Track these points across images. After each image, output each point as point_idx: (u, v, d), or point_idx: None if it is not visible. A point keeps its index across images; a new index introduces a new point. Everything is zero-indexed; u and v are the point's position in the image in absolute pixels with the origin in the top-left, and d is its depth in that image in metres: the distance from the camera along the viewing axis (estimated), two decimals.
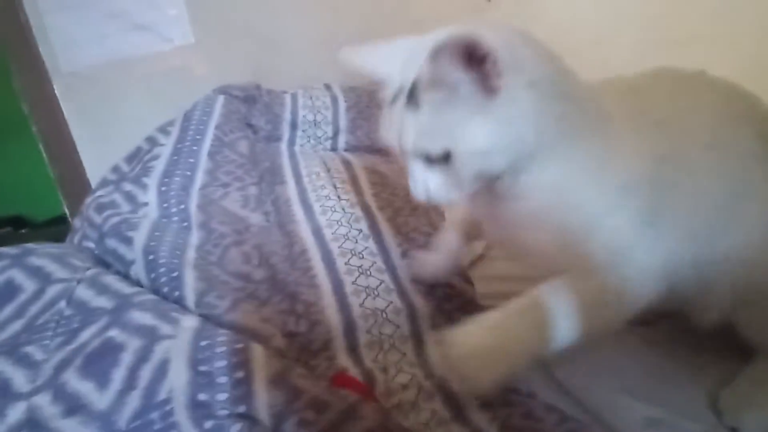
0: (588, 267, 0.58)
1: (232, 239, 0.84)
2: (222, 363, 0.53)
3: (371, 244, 0.87)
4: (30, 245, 0.76)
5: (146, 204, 0.89)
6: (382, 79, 0.58)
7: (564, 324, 0.56)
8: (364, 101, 1.41)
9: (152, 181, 0.94)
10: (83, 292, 0.66)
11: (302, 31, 1.59)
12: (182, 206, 0.89)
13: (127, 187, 0.94)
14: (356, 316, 0.73)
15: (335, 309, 0.74)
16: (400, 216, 0.94)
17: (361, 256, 0.84)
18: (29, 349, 0.57)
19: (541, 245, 0.59)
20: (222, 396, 0.49)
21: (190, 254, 0.77)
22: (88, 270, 0.72)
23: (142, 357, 0.53)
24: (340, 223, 0.93)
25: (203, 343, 0.55)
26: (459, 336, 0.56)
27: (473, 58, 0.49)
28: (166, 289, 0.70)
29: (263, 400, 0.49)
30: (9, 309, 0.64)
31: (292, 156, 1.25)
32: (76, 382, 0.51)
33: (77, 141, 1.58)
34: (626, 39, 1.26)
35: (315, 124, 1.35)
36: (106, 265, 0.78)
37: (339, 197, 1.02)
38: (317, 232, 0.90)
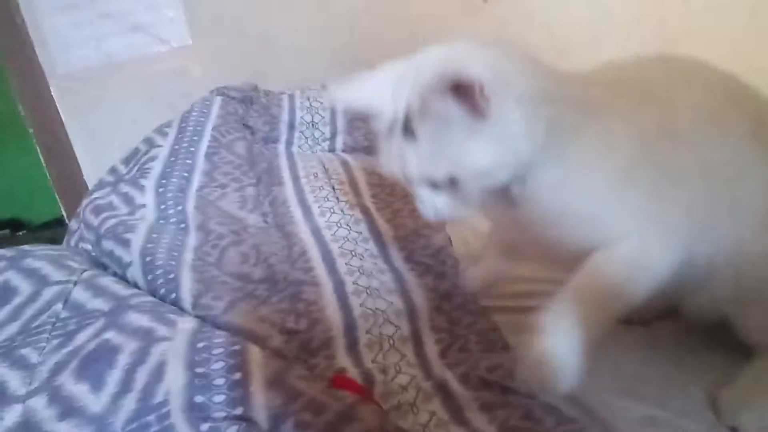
0: (611, 244, 0.60)
1: (230, 240, 0.84)
2: (219, 365, 0.52)
3: (371, 246, 0.87)
4: (26, 247, 0.75)
5: (143, 206, 0.89)
6: (373, 112, 0.59)
7: (611, 299, 0.59)
8: None
9: (149, 182, 0.94)
10: (80, 294, 0.65)
11: (299, 33, 1.60)
12: (179, 207, 0.89)
13: (125, 188, 0.94)
14: (356, 315, 0.73)
15: (336, 308, 0.74)
16: (399, 217, 0.94)
17: (361, 257, 0.84)
18: (25, 351, 0.57)
19: (562, 239, 0.61)
20: (219, 398, 0.49)
21: (188, 256, 0.76)
22: (85, 272, 0.71)
23: (139, 359, 0.53)
24: (339, 224, 0.92)
25: (200, 344, 0.55)
26: (535, 340, 0.58)
27: (461, 90, 0.50)
28: (162, 291, 0.70)
29: (260, 402, 0.49)
30: (5, 311, 0.64)
31: (290, 157, 1.24)
32: (71, 384, 0.51)
33: (74, 143, 1.58)
34: (619, 38, 1.26)
35: (313, 125, 1.35)
36: (103, 267, 0.78)
37: (338, 198, 1.01)
38: (317, 233, 0.90)
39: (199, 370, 0.52)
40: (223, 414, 0.48)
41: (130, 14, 1.50)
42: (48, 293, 0.66)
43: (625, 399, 0.66)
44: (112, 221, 0.82)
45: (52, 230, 1.81)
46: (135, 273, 0.73)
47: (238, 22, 1.57)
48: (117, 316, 0.60)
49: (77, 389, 0.50)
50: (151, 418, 0.47)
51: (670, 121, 0.62)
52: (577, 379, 0.57)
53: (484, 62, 0.53)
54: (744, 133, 0.63)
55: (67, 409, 0.49)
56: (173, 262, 0.74)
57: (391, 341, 0.71)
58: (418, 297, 0.77)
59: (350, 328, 0.71)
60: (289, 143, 1.33)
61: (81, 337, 0.57)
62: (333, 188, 1.05)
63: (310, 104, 1.38)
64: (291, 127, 1.34)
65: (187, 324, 0.60)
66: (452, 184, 0.56)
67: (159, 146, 1.05)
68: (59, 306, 0.63)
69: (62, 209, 1.64)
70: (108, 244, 0.78)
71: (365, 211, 0.97)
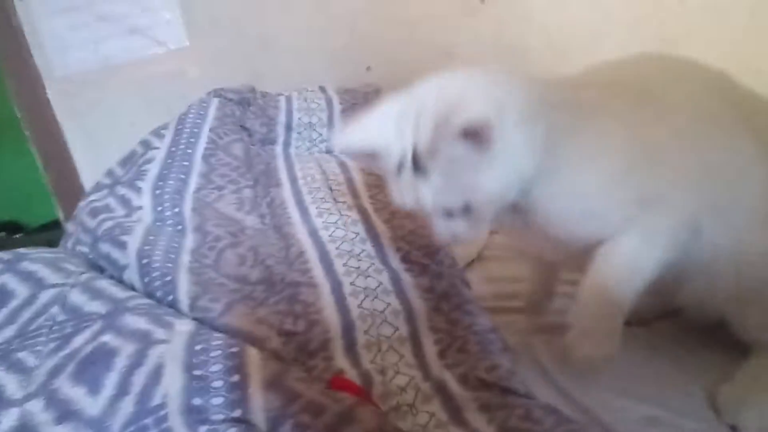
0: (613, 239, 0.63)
1: (228, 242, 0.84)
2: (217, 367, 0.52)
3: (369, 247, 0.87)
4: (23, 250, 0.75)
5: (140, 208, 0.88)
6: (379, 151, 0.62)
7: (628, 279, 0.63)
8: (360, 103, 1.41)
9: (146, 184, 0.94)
10: (77, 297, 0.65)
11: (297, 34, 1.59)
12: (176, 209, 0.89)
13: (121, 190, 0.94)
14: (354, 316, 0.72)
15: (334, 309, 0.73)
16: (397, 218, 0.94)
17: (359, 258, 0.83)
18: (22, 355, 0.57)
19: (567, 238, 0.65)
20: (217, 400, 0.49)
21: (185, 258, 0.76)
22: (82, 275, 0.71)
23: (136, 362, 0.52)
24: (336, 225, 0.92)
25: (198, 347, 0.55)
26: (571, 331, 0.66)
27: (467, 132, 0.53)
28: (159, 293, 0.70)
29: (259, 404, 0.49)
30: (1, 315, 0.63)
31: (287, 158, 1.24)
32: (68, 388, 0.51)
33: (71, 145, 1.58)
34: (618, 38, 1.26)
35: (310, 127, 1.35)
36: (100, 270, 0.78)
37: (335, 200, 1.01)
38: (314, 234, 0.90)
39: (197, 372, 0.51)
40: (222, 416, 0.48)
41: (127, 17, 1.50)
42: (45, 296, 0.65)
43: (624, 399, 0.67)
44: (109, 223, 0.82)
45: (50, 233, 1.81)
46: (132, 275, 0.73)
47: (236, 23, 1.57)
48: (114, 318, 0.60)
49: (74, 392, 0.50)
50: (148, 421, 0.47)
51: (667, 119, 0.62)
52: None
53: (481, 96, 0.57)
54: (741, 133, 0.63)
55: (64, 413, 0.48)
56: (170, 265, 0.73)
57: (390, 342, 0.71)
58: (416, 297, 0.77)
59: (348, 329, 0.71)
60: (286, 145, 1.33)
61: (78, 340, 0.57)
62: (330, 189, 1.05)
63: (308, 105, 1.38)
64: (288, 128, 1.34)
65: (184, 326, 0.59)
66: (466, 210, 0.60)
67: (156, 148, 1.04)
68: (56, 309, 0.63)
69: (59, 212, 1.64)
70: (104, 247, 0.78)
71: (363, 212, 0.96)
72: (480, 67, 0.63)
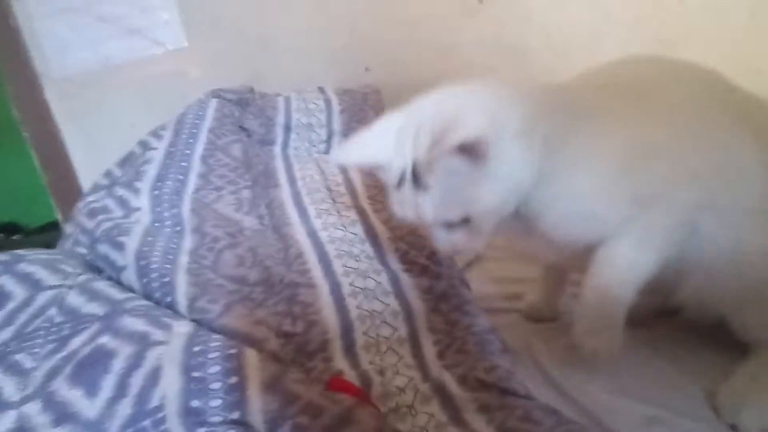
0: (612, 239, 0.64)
1: (226, 242, 0.84)
2: (215, 368, 0.52)
3: (367, 247, 0.87)
4: (20, 252, 0.75)
5: (139, 209, 0.88)
6: (380, 165, 0.64)
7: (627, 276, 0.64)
8: (358, 104, 1.40)
9: (145, 185, 0.93)
10: (74, 299, 0.65)
11: (295, 34, 1.59)
12: (175, 210, 0.89)
13: (120, 191, 0.93)
14: (353, 317, 0.72)
15: (332, 310, 0.73)
16: (396, 219, 0.94)
17: (357, 258, 0.83)
18: (19, 357, 0.56)
19: (568, 241, 0.66)
20: (215, 402, 0.49)
21: (183, 259, 0.76)
22: (80, 276, 0.71)
23: (134, 364, 0.52)
24: (335, 226, 0.92)
25: (196, 348, 0.54)
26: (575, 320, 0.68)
27: (464, 148, 0.55)
28: (158, 295, 0.69)
29: (257, 406, 0.49)
30: None
31: (286, 159, 1.24)
32: (66, 390, 0.50)
33: (69, 146, 1.58)
34: (617, 39, 1.26)
35: (309, 127, 1.35)
36: (98, 271, 0.78)
37: (334, 200, 1.01)
38: (313, 235, 0.90)
39: (195, 374, 0.51)
40: (220, 418, 0.47)
41: (125, 17, 1.50)
42: (42, 298, 0.65)
43: (624, 399, 0.66)
44: (107, 224, 0.82)
45: (48, 234, 1.80)
46: (130, 277, 0.73)
47: (235, 23, 1.57)
48: (112, 320, 0.60)
49: (72, 395, 0.50)
50: (146, 423, 0.47)
51: (664, 120, 0.63)
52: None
53: (478, 113, 0.58)
54: (739, 133, 0.63)
55: (62, 415, 0.48)
56: (168, 266, 0.73)
57: (389, 343, 0.70)
58: (415, 298, 0.76)
59: (347, 330, 0.71)
60: (285, 145, 1.33)
61: (75, 342, 0.57)
62: (329, 190, 1.05)
63: (306, 106, 1.38)
64: (287, 129, 1.34)
65: (182, 328, 0.59)
66: (466, 221, 0.61)
67: (154, 149, 1.04)
68: (53, 311, 0.63)
69: (58, 213, 1.63)
70: (103, 248, 0.78)
71: (361, 212, 0.96)
72: (478, 81, 0.64)
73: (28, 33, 1.47)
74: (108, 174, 1.05)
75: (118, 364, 0.52)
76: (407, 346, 0.70)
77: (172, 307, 0.68)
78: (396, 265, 0.83)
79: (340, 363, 0.67)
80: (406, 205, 0.62)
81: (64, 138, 1.58)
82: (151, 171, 0.97)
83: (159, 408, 0.48)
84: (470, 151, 0.55)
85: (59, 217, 1.63)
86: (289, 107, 1.37)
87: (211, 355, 0.53)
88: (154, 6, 1.51)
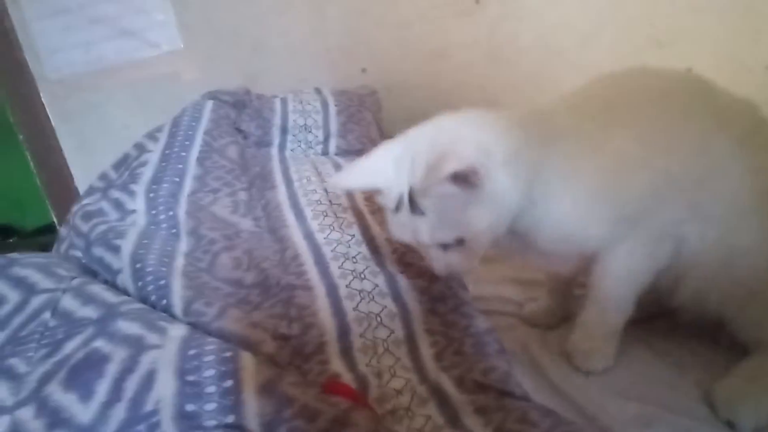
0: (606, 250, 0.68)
1: (222, 245, 0.83)
2: (210, 372, 0.52)
3: (364, 249, 0.86)
4: (14, 255, 0.74)
5: (134, 211, 0.88)
6: (380, 189, 0.68)
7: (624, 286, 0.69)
8: (355, 105, 1.40)
9: (140, 188, 0.93)
10: (68, 302, 0.64)
11: (291, 35, 1.59)
12: (171, 213, 0.88)
13: (115, 194, 0.93)
14: (350, 319, 0.72)
15: (329, 312, 0.73)
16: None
17: (354, 260, 0.83)
18: (13, 361, 0.56)
19: (566, 257, 0.71)
20: (210, 406, 0.48)
21: (179, 261, 0.76)
22: (74, 279, 0.70)
23: (128, 368, 0.52)
24: (332, 227, 0.92)
25: (191, 352, 0.54)
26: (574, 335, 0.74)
27: (457, 176, 0.59)
28: (153, 298, 0.69)
29: (253, 410, 0.48)
30: None
31: (283, 161, 1.23)
32: (59, 394, 0.50)
33: (64, 149, 1.57)
34: (610, 39, 1.27)
35: (305, 129, 1.34)
36: (93, 274, 0.77)
37: (330, 202, 1.01)
38: (309, 237, 0.89)
39: (190, 378, 0.51)
40: (215, 422, 0.47)
41: (120, 18, 1.49)
42: (36, 302, 0.65)
43: (621, 399, 0.66)
44: (102, 227, 0.81)
45: (44, 237, 1.79)
46: (125, 280, 0.72)
47: (230, 25, 1.56)
48: (106, 324, 0.59)
49: (66, 399, 0.50)
50: (141, 427, 0.47)
51: (632, 130, 0.66)
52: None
53: (469, 143, 0.63)
54: (713, 132, 0.65)
55: (56, 420, 0.48)
56: (164, 269, 0.73)
57: (386, 345, 0.70)
58: (411, 300, 0.76)
59: (344, 332, 0.71)
60: (281, 147, 1.32)
61: (69, 346, 0.56)
62: (326, 191, 1.05)
63: (303, 107, 1.38)
64: (284, 130, 1.33)
65: (177, 331, 0.59)
66: (460, 242, 0.66)
67: (150, 151, 1.04)
68: (47, 315, 0.63)
69: (53, 216, 1.63)
70: (98, 251, 0.77)
71: (358, 214, 0.96)
72: (470, 112, 0.69)
73: (23, 35, 1.47)
74: (103, 177, 1.04)
75: (112, 368, 0.52)
76: (404, 347, 0.70)
77: (167, 311, 0.67)
78: (393, 267, 0.83)
79: (337, 365, 0.67)
80: (404, 228, 0.67)
81: (58, 140, 1.58)
82: (147, 173, 0.97)
83: (154, 412, 0.47)
84: (463, 179, 0.60)
85: (54, 219, 1.63)
86: (286, 109, 1.37)
87: (206, 359, 0.53)
88: (149, 7, 1.50)
